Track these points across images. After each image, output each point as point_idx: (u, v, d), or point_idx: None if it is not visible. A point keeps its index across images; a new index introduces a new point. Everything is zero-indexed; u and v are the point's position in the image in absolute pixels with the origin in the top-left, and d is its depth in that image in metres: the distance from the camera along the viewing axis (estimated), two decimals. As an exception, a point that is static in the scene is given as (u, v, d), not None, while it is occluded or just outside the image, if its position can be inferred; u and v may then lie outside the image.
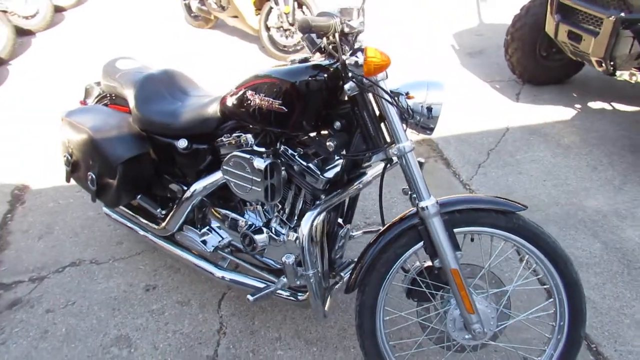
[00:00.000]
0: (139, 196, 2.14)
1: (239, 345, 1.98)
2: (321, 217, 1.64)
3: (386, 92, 1.45)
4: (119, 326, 2.09)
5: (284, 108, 1.56)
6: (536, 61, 3.89)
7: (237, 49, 5.49)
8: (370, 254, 1.59)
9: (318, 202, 1.62)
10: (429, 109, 1.50)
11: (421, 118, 1.52)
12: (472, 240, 1.64)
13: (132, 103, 2.06)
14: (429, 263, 1.61)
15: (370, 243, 1.60)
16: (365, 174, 1.75)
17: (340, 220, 1.84)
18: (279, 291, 1.80)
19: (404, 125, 1.51)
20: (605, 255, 2.33)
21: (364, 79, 1.43)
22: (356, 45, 1.43)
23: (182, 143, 1.93)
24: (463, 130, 3.49)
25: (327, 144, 1.60)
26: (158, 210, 2.15)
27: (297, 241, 1.69)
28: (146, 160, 2.04)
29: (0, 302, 2.24)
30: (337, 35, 1.38)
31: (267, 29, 4.96)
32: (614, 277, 2.21)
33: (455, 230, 1.54)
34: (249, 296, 1.70)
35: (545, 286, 1.61)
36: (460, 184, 2.91)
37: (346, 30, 1.40)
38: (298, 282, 1.56)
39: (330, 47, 1.44)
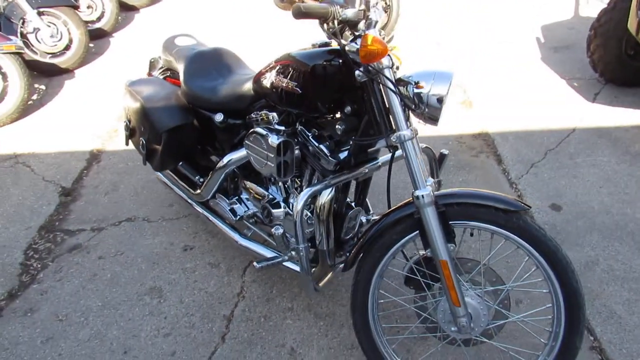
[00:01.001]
0: (180, 163, 2.35)
1: (254, 309, 2.12)
2: (327, 196, 1.72)
3: (390, 80, 1.48)
4: (155, 279, 2.32)
5: (298, 90, 1.65)
6: (621, 60, 3.58)
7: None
8: (367, 236, 1.64)
9: (320, 181, 1.69)
10: (433, 100, 1.51)
11: (426, 108, 1.53)
12: (471, 235, 1.63)
13: (181, 77, 2.25)
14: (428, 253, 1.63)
15: (369, 226, 1.65)
16: (375, 159, 1.78)
17: (353, 204, 1.90)
18: (287, 264, 1.91)
19: (408, 114, 1.54)
20: (648, 271, 2.17)
21: (369, 67, 1.47)
22: (359, 32, 1.48)
23: (219, 117, 2.09)
24: (525, 127, 3.34)
25: (336, 126, 1.67)
26: (197, 178, 2.34)
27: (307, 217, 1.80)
28: (189, 130, 2.22)
29: (63, 245, 2.58)
30: (335, 22, 1.43)
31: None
32: (651, 295, 2.06)
33: (453, 223, 1.54)
34: (255, 263, 1.83)
35: (545, 290, 1.56)
36: (507, 182, 2.82)
37: (343, 17, 1.44)
38: (260, 263, 1.65)
39: (330, 32, 1.49)
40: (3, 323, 2.15)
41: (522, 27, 5.09)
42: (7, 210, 2.87)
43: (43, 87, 4.41)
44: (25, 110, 3.87)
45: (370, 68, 1.48)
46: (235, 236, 2.14)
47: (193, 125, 2.24)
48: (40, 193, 3.00)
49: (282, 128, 1.84)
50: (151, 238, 2.59)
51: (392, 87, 1.48)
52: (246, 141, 1.88)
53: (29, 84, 3.81)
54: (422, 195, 1.49)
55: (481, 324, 1.59)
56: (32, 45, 4.39)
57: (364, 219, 2.00)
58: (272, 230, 1.66)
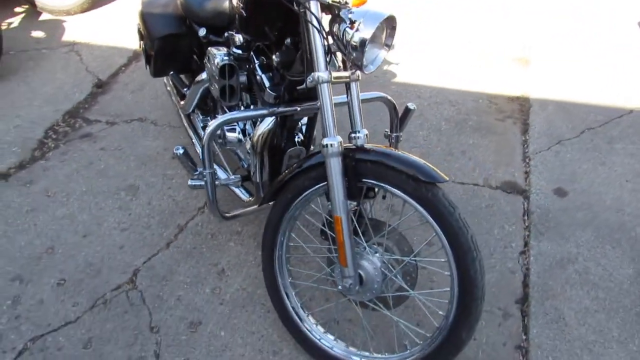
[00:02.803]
0: (172, 72, 2.39)
1: (206, 226, 2.21)
2: (263, 128, 1.70)
3: (313, 14, 1.36)
4: (137, 177, 2.48)
5: (243, 12, 1.58)
6: None
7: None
8: (284, 176, 1.60)
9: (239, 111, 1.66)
10: (355, 43, 1.36)
11: (352, 52, 1.39)
12: (383, 197, 1.54)
13: (180, -14, 2.24)
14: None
15: (292, 166, 1.60)
16: (314, 99, 1.68)
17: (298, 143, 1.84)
18: (229, 185, 1.92)
19: (336, 57, 1.42)
20: (627, 285, 1.90)
21: (296, -4, 1.36)
22: None
23: (202, 32, 2.08)
24: (576, 98, 2.93)
25: (273, 57, 1.59)
26: (185, 90, 2.38)
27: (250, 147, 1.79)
28: (180, 40, 2.24)
29: (78, 131, 2.82)
30: None
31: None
32: (617, 310, 1.81)
33: (363, 180, 1.45)
34: (189, 180, 1.87)
35: (447, 273, 1.43)
36: (521, 155, 2.54)
37: None
38: (194, 181, 1.66)
39: None
40: (5, 187, 2.45)
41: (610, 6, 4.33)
42: (47, 91, 3.16)
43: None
44: (95, 2, 4.12)
45: (298, -2, 1.36)
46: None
47: (184, 36, 2.25)
48: (79, 81, 3.25)
49: (239, 52, 1.79)
50: (151, 140, 2.73)
51: (315, 23, 1.36)
52: (205, 59, 1.86)
53: (99, -23, 4.02)
54: (329, 144, 1.40)
55: (373, 290, 1.52)
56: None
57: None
58: (173, 149, 1.67)
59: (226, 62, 1.69)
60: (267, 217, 1.67)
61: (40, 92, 3.15)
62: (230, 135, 1.96)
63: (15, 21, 4.03)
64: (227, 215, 1.77)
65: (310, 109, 1.68)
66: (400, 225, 1.56)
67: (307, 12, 1.36)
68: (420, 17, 4.03)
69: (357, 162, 1.44)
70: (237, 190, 2.00)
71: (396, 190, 1.42)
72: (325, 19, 1.42)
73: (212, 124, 1.57)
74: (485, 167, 2.48)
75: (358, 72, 1.52)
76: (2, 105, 3.03)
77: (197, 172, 1.62)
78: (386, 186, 1.43)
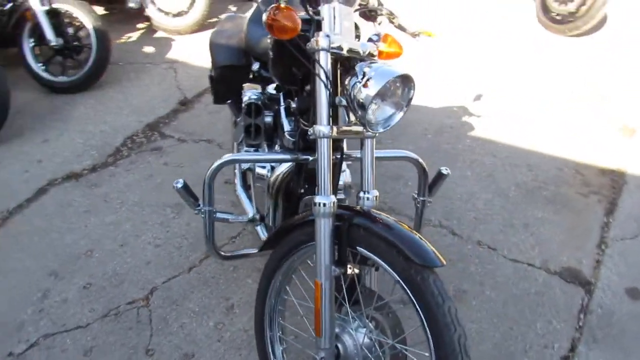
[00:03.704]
0: (228, 100, 2.44)
1: (232, 256, 2.19)
2: (279, 172, 1.65)
3: (321, 66, 1.28)
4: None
5: (271, 53, 1.55)
6: None
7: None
8: (282, 225, 1.52)
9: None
10: (363, 100, 1.25)
11: (358, 109, 1.28)
12: (376, 269, 1.38)
13: (247, 19, 2.28)
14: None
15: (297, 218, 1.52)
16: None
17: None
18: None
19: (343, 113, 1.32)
20: None
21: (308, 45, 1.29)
22: None
23: (255, 66, 2.10)
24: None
25: (291, 103, 1.54)
26: (235, 119, 2.41)
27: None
28: (238, 71, 2.28)
29: (150, 144, 2.99)
30: None
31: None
32: None
33: (357, 248, 1.32)
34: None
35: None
36: (596, 240, 2.18)
37: None
38: (196, 212, 1.63)
39: None
40: (74, 187, 2.66)
41: None
42: (138, 102, 3.42)
43: (233, 8, 4.92)
44: (203, 25, 4.41)
45: (309, 47, 1.30)
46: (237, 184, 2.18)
47: (242, 68, 2.28)
48: (168, 97, 3.48)
49: (272, 92, 1.77)
50: (211, 162, 2.80)
51: (321, 75, 1.28)
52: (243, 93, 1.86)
53: (210, 4, 4.29)
54: (320, 203, 1.30)
55: (349, 365, 1.37)
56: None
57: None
58: (173, 183, 1.65)
59: (252, 100, 1.68)
60: (265, 264, 1.59)
61: (131, 102, 3.42)
62: (259, 171, 1.93)
63: (134, 36, 4.45)
64: (224, 254, 1.72)
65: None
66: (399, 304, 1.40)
67: (316, 63, 1.29)
68: (513, 64, 3.73)
69: (351, 227, 1.32)
70: (257, 229, 1.95)
71: (385, 266, 1.27)
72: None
73: (216, 162, 1.55)
74: (548, 247, 2.17)
75: (379, 130, 1.41)
76: (98, 111, 3.33)
77: (198, 207, 1.60)
78: (376, 259, 1.29)
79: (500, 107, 3.23)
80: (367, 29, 1.59)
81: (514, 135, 2.93)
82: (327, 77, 1.29)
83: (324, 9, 1.33)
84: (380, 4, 1.57)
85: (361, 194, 1.43)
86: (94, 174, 2.75)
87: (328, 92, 1.29)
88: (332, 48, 1.29)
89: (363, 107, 1.24)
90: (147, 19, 4.39)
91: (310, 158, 1.56)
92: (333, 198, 1.32)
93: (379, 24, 1.64)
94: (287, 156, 1.56)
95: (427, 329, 1.20)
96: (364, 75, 1.26)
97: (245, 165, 2.16)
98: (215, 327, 1.90)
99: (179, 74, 3.76)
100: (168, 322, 1.92)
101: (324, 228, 1.31)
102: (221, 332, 1.88)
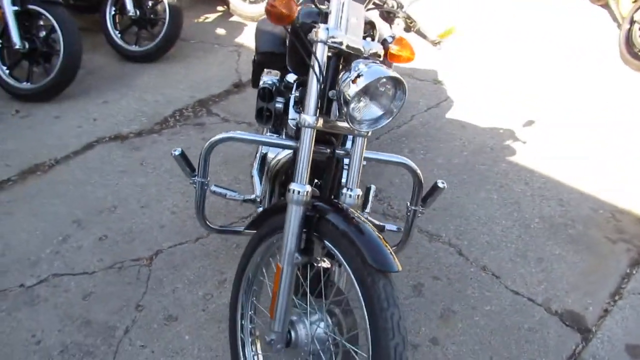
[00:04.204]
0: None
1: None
2: (276, 157, 1.71)
3: (315, 57, 1.31)
4: (213, 173, 2.65)
5: (287, 42, 1.61)
6: None
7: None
8: (266, 210, 1.57)
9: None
10: (345, 97, 1.26)
11: (344, 106, 1.30)
12: (339, 266, 1.39)
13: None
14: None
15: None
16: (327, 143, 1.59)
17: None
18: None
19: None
20: None
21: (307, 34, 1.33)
22: None
23: None
24: None
25: (296, 92, 1.58)
26: None
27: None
28: (276, 59, 2.34)
29: (196, 119, 3.15)
30: None
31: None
32: None
33: (325, 240, 1.34)
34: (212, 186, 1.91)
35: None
36: (611, 289, 2.03)
37: None
38: (190, 182, 1.70)
39: None
40: (117, 147, 2.86)
41: None
42: (198, 79, 3.60)
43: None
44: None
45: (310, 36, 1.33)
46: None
47: (281, 56, 2.34)
48: (225, 78, 3.63)
49: (289, 80, 1.82)
50: (245, 145, 2.91)
51: (315, 66, 1.31)
52: (262, 79, 1.92)
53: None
54: (294, 190, 1.34)
55: (303, 349, 1.39)
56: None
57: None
58: (172, 151, 1.73)
59: (266, 85, 1.73)
60: (247, 243, 1.65)
61: (191, 78, 3.61)
62: (269, 154, 1.97)
63: (211, 17, 4.67)
64: (211, 226, 1.78)
65: (317, 152, 1.60)
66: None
67: (314, 51, 1.32)
68: (580, 97, 3.53)
69: (321, 219, 1.35)
70: (259, 210, 2.01)
71: (345, 263, 1.29)
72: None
73: (213, 138, 1.62)
74: (555, 286, 2.06)
75: (370, 130, 1.42)
76: (158, 81, 3.55)
77: (193, 177, 1.68)
78: (338, 254, 1.30)
79: (550, 137, 3.07)
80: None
81: (555, 167, 2.78)
82: (320, 69, 1.32)
83: (333, 3, 1.36)
84: (400, 5, 1.56)
85: (344, 191, 1.46)
86: (138, 138, 2.94)
87: (319, 83, 1.32)
88: (333, 42, 1.31)
89: (347, 102, 1.26)
90: (226, 2, 4.60)
91: (323, 149, 1.59)
92: (308, 188, 1.35)
93: (397, 25, 1.64)
94: (284, 142, 1.60)
95: (369, 331, 1.20)
96: (356, 71, 1.28)
97: (264, 150, 2.22)
98: (204, 297, 1.99)
99: (241, 58, 3.92)
100: (163, 284, 2.03)
101: (293, 215, 1.35)
102: (208, 302, 1.97)
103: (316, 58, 1.32)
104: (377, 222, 1.82)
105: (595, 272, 2.13)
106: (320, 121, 1.36)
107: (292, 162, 1.70)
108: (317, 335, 1.39)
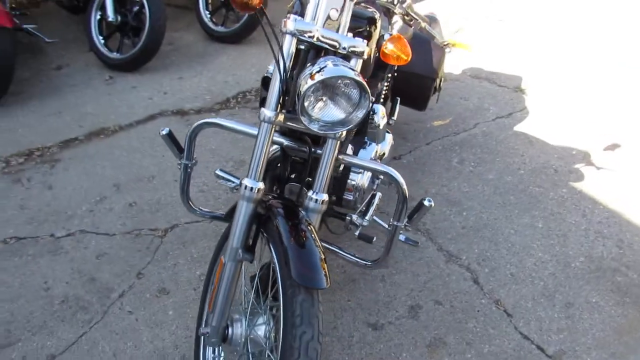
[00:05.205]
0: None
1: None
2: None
3: (280, 49, 1.24)
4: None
5: None
6: None
7: None
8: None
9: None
10: (300, 91, 1.17)
11: (298, 100, 1.21)
12: (280, 270, 1.31)
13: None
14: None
15: None
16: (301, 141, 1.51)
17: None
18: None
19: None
20: None
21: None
22: None
23: None
24: None
25: None
26: None
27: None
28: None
29: (255, 103, 3.21)
30: None
31: None
32: None
33: (270, 242, 1.29)
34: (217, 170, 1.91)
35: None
36: (648, 356, 1.69)
37: None
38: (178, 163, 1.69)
39: None
40: (177, 122, 3.03)
41: None
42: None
43: None
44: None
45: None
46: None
47: None
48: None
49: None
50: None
51: (278, 57, 1.25)
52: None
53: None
54: (245, 185, 1.30)
55: (237, 343, 1.35)
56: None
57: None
58: (160, 129, 1.72)
59: (268, 74, 1.68)
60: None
61: (264, 62, 3.66)
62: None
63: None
64: (194, 208, 1.78)
65: (294, 148, 1.53)
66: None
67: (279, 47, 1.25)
68: None
69: (268, 220, 1.29)
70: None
71: (277, 269, 1.22)
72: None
73: (197, 123, 1.61)
74: (577, 339, 1.77)
75: (343, 132, 1.32)
76: (234, 63, 3.67)
77: (181, 157, 1.69)
78: (275, 259, 1.24)
79: (632, 167, 2.64)
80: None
81: (626, 203, 2.38)
82: (283, 61, 1.25)
83: None
84: (400, 0, 1.41)
85: (309, 193, 1.38)
86: (196, 115, 3.07)
87: (281, 77, 1.25)
88: (303, 35, 1.24)
89: (299, 96, 1.18)
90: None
91: (292, 145, 1.53)
92: (260, 185, 1.31)
93: (395, 22, 1.49)
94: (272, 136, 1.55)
95: (280, 346, 1.13)
96: (319, 66, 1.19)
97: None
98: (199, 277, 2.03)
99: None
100: (167, 257, 2.11)
101: (242, 210, 1.31)
102: (201, 283, 2.00)
103: (281, 50, 1.25)
104: (366, 234, 1.70)
105: (633, 332, 1.79)
106: (281, 117, 1.29)
107: (281, 158, 1.65)
108: (252, 337, 1.35)
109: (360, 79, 1.17)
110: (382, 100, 2.18)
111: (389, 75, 2.22)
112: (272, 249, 1.26)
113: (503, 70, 3.57)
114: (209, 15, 4.02)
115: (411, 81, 2.32)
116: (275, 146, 1.67)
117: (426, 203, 1.52)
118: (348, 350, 1.73)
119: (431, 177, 2.53)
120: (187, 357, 1.72)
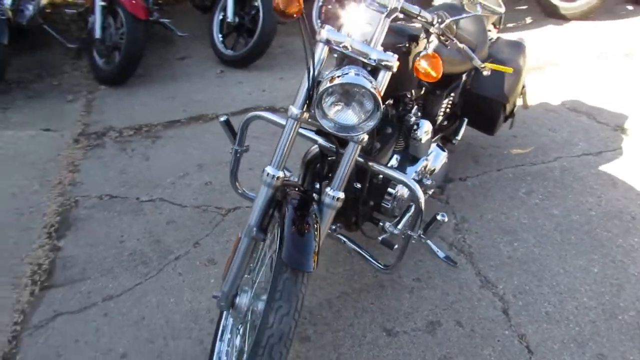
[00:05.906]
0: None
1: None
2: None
3: (313, 54, 1.38)
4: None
5: None
6: None
7: None
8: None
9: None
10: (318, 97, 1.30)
11: (314, 107, 1.34)
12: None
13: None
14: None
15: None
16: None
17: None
18: None
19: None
20: None
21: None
22: None
23: None
24: None
25: None
26: None
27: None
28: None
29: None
30: None
31: None
32: None
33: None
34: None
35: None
36: None
37: None
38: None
39: None
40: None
41: None
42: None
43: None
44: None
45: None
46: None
47: None
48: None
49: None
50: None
51: (309, 60, 1.39)
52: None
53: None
54: (267, 172, 1.46)
55: (239, 319, 1.51)
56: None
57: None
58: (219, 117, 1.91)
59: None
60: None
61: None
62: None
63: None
64: (238, 189, 1.97)
65: (325, 146, 1.65)
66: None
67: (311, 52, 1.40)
68: None
69: (280, 206, 1.44)
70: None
71: (276, 247, 1.36)
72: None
73: (249, 114, 1.80)
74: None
75: (365, 136, 1.44)
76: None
77: (234, 143, 1.88)
78: (277, 241, 1.38)
79: None
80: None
81: None
82: (313, 65, 1.38)
83: (351, 6, 1.41)
84: (440, 21, 1.45)
85: (327, 189, 1.50)
86: (283, 113, 3.30)
87: (309, 79, 1.39)
88: (337, 44, 1.37)
89: (318, 95, 1.31)
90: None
91: (324, 144, 1.65)
92: (279, 173, 1.46)
93: (430, 42, 1.53)
94: (308, 133, 1.70)
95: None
96: (342, 72, 1.32)
97: None
98: (245, 255, 2.23)
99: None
100: (223, 234, 2.35)
101: (262, 193, 1.47)
102: (245, 261, 2.20)
103: (312, 55, 1.39)
104: (389, 240, 1.77)
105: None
106: (306, 115, 1.43)
107: (320, 156, 1.78)
108: (255, 309, 1.49)
109: (375, 92, 1.27)
110: (440, 117, 2.21)
111: (452, 94, 2.24)
112: (277, 232, 1.40)
113: (608, 106, 3.32)
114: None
115: (479, 103, 2.31)
116: (315, 146, 1.81)
117: (439, 217, 1.56)
118: (357, 348, 1.81)
119: (492, 202, 2.48)
120: (214, 320, 1.92)
